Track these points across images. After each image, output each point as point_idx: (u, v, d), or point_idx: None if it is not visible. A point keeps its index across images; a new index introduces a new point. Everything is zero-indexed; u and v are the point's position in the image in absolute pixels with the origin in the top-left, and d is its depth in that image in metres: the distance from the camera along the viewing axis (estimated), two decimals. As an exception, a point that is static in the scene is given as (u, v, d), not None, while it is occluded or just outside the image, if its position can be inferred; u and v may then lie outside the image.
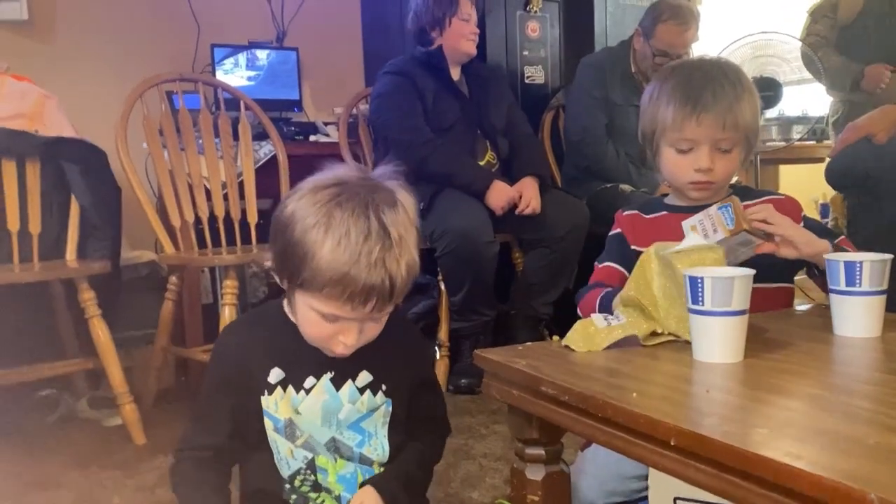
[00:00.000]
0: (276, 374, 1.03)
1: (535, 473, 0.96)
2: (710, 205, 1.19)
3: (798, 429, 0.69)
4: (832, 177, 2.25)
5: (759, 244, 1.15)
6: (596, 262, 1.41)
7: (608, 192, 2.68)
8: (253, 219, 2.49)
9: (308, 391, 1.03)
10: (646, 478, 1.15)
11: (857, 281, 1.02)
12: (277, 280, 1.01)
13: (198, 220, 2.42)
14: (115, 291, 2.37)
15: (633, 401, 0.77)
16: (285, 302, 1.06)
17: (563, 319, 2.74)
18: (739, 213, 1.13)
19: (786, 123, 3.82)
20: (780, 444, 0.63)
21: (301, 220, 0.92)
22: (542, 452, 0.96)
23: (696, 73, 1.32)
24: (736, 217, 1.12)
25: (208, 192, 2.46)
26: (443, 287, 2.44)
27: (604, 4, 3.23)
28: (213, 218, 2.44)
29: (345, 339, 0.96)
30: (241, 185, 2.53)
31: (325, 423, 1.04)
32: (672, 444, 0.70)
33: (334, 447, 1.05)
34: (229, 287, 2.13)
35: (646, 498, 1.15)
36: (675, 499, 0.96)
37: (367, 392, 1.06)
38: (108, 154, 2.33)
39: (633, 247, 1.34)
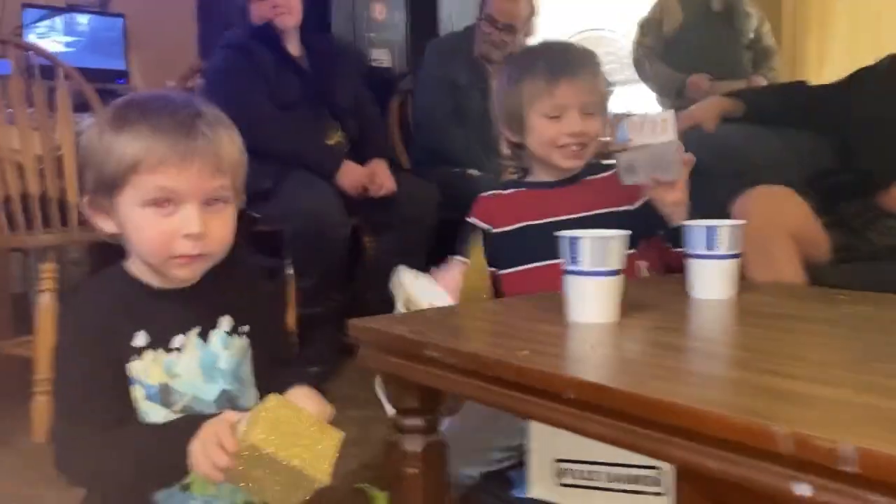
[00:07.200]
0: (141, 338, 0.93)
1: (414, 444, 0.91)
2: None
3: (694, 376, 0.69)
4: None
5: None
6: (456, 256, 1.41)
7: (456, 176, 2.68)
8: (74, 198, 2.24)
9: (180, 351, 0.94)
10: (508, 449, 1.14)
11: (716, 245, 1.06)
12: (100, 221, 0.93)
13: (7, 200, 2.14)
14: None
15: (524, 358, 0.74)
16: (126, 262, 0.96)
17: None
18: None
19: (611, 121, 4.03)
20: (682, 390, 0.63)
21: (99, 130, 0.90)
22: (422, 422, 0.92)
23: (555, 46, 1.37)
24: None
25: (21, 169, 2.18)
26: (290, 271, 2.32)
27: (449, -10, 3.25)
28: (26, 197, 2.17)
29: (188, 228, 0.88)
30: (59, 160, 2.27)
31: (208, 380, 0.95)
32: (569, 397, 0.67)
33: (227, 399, 0.95)
34: (48, 271, 1.90)
35: (512, 466, 1.15)
36: (557, 460, 0.95)
37: (235, 335, 0.98)
38: None
39: (495, 231, 1.36)
